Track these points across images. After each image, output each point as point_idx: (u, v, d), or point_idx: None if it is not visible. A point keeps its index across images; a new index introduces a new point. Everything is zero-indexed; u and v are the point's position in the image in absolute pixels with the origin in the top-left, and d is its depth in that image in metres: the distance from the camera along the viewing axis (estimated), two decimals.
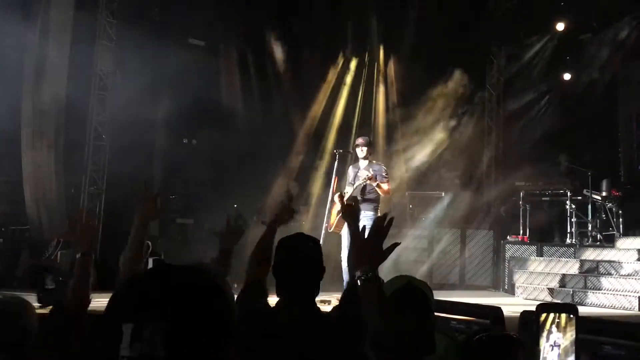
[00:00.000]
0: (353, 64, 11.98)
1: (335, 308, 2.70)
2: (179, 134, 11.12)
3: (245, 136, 10.46)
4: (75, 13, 9.34)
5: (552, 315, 1.69)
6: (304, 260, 2.43)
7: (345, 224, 6.92)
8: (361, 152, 7.26)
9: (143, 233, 2.76)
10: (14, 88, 9.44)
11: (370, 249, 2.21)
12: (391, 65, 12.00)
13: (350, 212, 2.89)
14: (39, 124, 9.36)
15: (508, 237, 10.27)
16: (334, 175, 7.31)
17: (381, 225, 2.20)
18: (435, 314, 5.62)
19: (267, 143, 10.87)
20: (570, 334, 1.68)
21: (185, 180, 10.53)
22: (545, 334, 1.66)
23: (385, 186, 7.04)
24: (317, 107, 11.55)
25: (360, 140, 7.42)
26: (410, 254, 10.89)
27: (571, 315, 1.69)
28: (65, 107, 9.39)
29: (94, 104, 9.73)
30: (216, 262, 2.90)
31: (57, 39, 9.33)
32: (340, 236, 7.12)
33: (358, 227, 2.87)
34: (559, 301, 8.27)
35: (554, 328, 1.68)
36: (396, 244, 2.34)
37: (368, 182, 6.80)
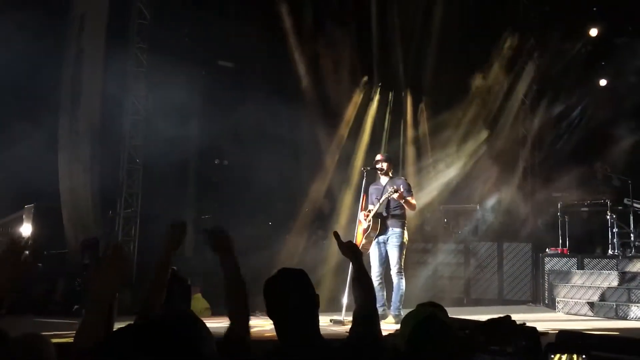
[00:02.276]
0: (377, 94, 11.88)
1: (351, 330, 2.63)
2: (210, 155, 11.25)
3: (275, 154, 10.50)
4: (106, 40, 9.57)
5: (564, 357, 1.56)
6: (293, 297, 2.35)
7: (373, 243, 6.85)
8: (381, 168, 7.19)
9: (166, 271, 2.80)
10: (51, 115, 9.74)
11: None
12: (419, 81, 11.82)
13: (349, 249, 2.90)
14: (75, 148, 9.60)
15: (547, 250, 9.98)
16: (362, 193, 7.25)
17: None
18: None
19: (296, 161, 10.90)
20: None
21: (218, 201, 10.62)
22: None
23: (411, 200, 6.93)
24: (346, 125, 11.50)
25: (379, 157, 7.37)
26: (446, 269, 10.72)
27: (583, 356, 1.54)
28: (99, 131, 9.60)
29: (128, 128, 9.92)
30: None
31: (90, 65, 9.59)
32: (368, 256, 7.01)
33: (361, 264, 2.84)
34: (597, 318, 7.97)
35: None
36: None
37: (394, 195, 6.68)
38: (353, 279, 2.86)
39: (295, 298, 2.33)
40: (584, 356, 1.55)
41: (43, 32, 8.93)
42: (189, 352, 1.11)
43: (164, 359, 1.07)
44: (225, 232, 2.70)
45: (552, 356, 1.59)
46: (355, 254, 2.91)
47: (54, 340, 3.19)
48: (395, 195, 6.70)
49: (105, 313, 2.28)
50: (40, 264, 9.40)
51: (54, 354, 2.41)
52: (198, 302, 8.44)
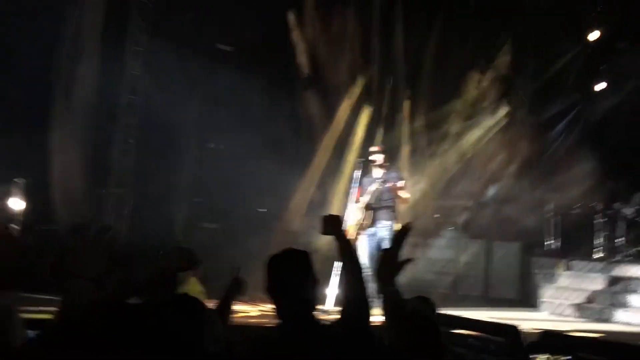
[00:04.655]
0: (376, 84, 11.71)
1: (341, 319, 2.57)
2: (205, 138, 11.22)
3: (269, 140, 10.47)
4: (106, 17, 9.47)
5: (545, 357, 1.56)
6: (295, 276, 2.35)
7: (363, 235, 6.86)
8: (377, 159, 7.10)
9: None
10: (46, 90, 9.65)
11: (389, 262, 2.32)
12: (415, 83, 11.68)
13: (330, 225, 2.60)
14: (69, 124, 9.52)
15: (536, 250, 10.03)
16: (357, 185, 7.20)
17: (400, 237, 2.31)
18: (453, 330, 5.49)
19: (291, 148, 10.86)
20: None
21: (211, 185, 10.60)
22: None
23: (403, 193, 6.85)
24: (342, 114, 11.39)
25: (375, 148, 7.31)
26: (435, 264, 10.73)
27: (570, 357, 1.55)
28: (95, 109, 9.53)
29: (124, 107, 9.87)
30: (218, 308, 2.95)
31: (88, 42, 9.49)
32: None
33: (343, 240, 2.61)
34: (581, 320, 8.02)
35: None
36: (409, 260, 2.37)
37: (386, 185, 6.65)
38: (342, 263, 2.60)
39: (298, 277, 2.33)
40: (570, 357, 1.55)
41: (41, 5, 8.83)
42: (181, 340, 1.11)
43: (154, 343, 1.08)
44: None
45: (534, 356, 1.58)
46: (335, 229, 2.58)
47: (33, 316, 3.23)
48: (388, 185, 6.66)
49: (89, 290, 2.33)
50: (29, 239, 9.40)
51: (21, 323, 2.47)
52: (192, 287, 8.41)
